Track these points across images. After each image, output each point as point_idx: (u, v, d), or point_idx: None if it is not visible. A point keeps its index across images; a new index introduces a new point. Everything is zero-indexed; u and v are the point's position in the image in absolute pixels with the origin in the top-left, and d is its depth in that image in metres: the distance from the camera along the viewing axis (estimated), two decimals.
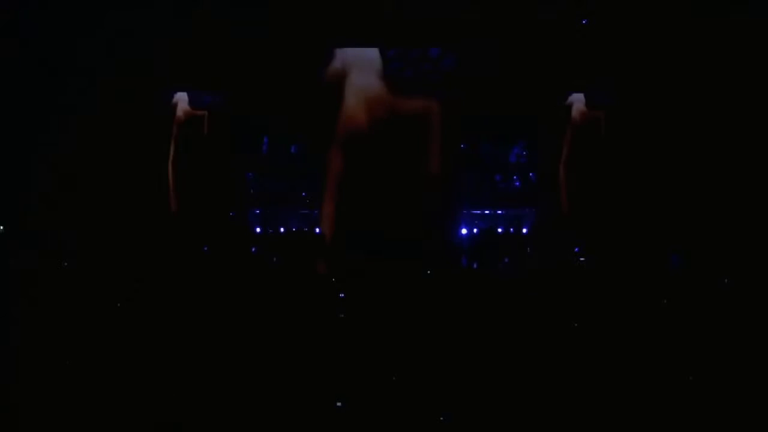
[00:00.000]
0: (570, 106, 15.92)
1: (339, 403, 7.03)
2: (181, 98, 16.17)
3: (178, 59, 15.14)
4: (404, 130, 15.98)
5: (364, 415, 6.89)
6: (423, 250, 14.46)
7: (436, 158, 15.88)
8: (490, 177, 16.30)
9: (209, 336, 9.21)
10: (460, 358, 8.54)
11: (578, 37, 14.91)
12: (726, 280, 11.74)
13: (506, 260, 14.82)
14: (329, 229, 15.43)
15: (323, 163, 15.83)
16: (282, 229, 16.07)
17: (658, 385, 7.21)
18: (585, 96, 15.86)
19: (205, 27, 14.72)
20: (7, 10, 13.81)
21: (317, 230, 15.66)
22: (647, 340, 8.81)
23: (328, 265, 14.53)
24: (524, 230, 15.88)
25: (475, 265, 14.85)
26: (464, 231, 15.67)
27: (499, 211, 16.15)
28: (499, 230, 15.98)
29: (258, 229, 16.06)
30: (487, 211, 16.12)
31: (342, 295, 12.44)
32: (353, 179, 15.80)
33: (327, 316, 11.61)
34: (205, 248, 14.90)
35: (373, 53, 15.94)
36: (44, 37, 14.03)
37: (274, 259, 14.95)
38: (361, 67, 16.03)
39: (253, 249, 15.40)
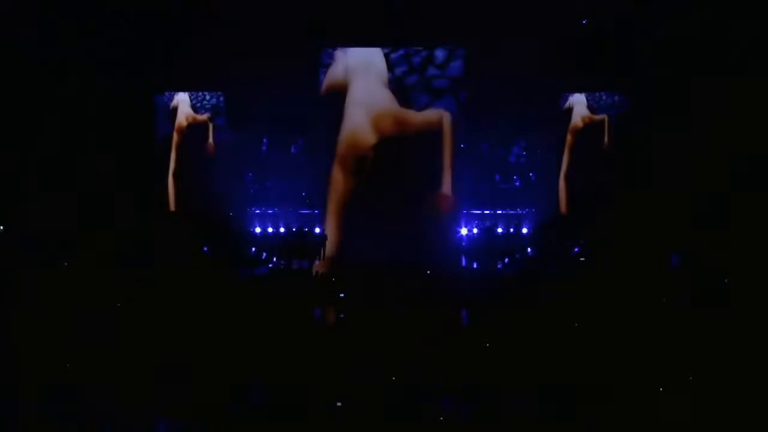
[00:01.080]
0: (571, 108, 15.92)
1: (339, 403, 7.03)
2: (183, 100, 16.10)
3: (179, 60, 15.14)
4: (410, 144, 15.35)
5: (364, 415, 6.89)
6: (423, 252, 14.43)
7: (442, 170, 15.41)
8: (490, 177, 16.28)
9: (209, 335, 9.21)
10: (460, 358, 8.54)
11: (580, 38, 14.90)
12: (726, 280, 11.74)
13: (506, 260, 14.83)
14: (333, 236, 15.13)
15: (326, 175, 15.38)
16: (282, 229, 16.06)
17: (658, 384, 7.21)
18: (587, 98, 15.86)
19: (206, 28, 14.70)
20: (7, 10, 13.82)
21: (317, 230, 15.65)
22: (647, 340, 8.81)
23: (328, 265, 14.52)
24: (524, 230, 15.88)
25: (475, 265, 14.86)
26: (464, 231, 15.65)
27: (499, 211, 16.14)
28: (499, 230, 15.98)
29: (258, 229, 16.05)
30: (487, 211, 16.12)
31: (342, 295, 12.48)
32: (356, 194, 15.37)
33: (327, 316, 11.63)
34: (205, 249, 14.90)
35: (377, 59, 15.41)
36: (44, 37, 14.02)
37: (274, 258, 14.96)
38: (364, 74, 15.49)
39: (253, 249, 15.40)
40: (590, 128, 15.97)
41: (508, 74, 14.79)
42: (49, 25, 13.97)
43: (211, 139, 16.23)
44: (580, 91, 15.89)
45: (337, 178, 15.49)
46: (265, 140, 16.39)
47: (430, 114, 15.46)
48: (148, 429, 6.45)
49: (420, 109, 15.51)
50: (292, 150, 16.44)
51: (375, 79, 15.49)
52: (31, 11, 13.97)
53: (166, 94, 16.14)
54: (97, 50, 14.29)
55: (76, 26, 14.00)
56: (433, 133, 15.44)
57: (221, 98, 16.14)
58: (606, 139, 15.87)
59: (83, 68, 14.29)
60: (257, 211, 16.21)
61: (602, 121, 15.88)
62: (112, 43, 14.38)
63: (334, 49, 15.45)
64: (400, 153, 15.37)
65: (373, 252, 14.19)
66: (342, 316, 11.69)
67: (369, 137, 15.43)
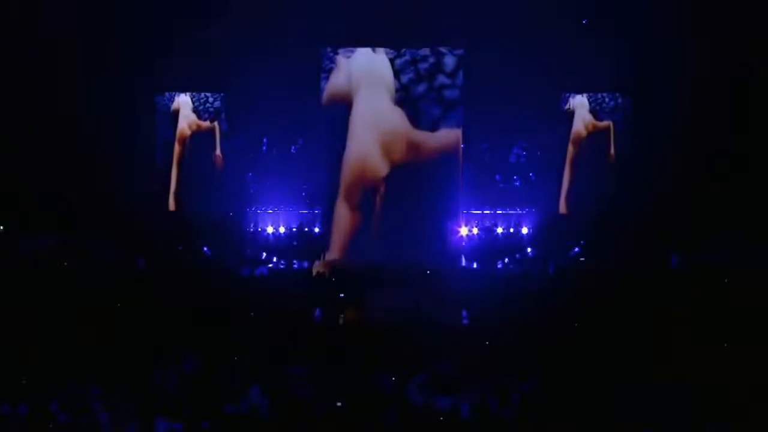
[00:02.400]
0: (572, 111, 15.84)
1: (339, 403, 7.04)
2: (185, 102, 15.89)
3: (179, 60, 15.09)
4: (425, 172, 14.46)
5: (364, 415, 6.90)
6: (423, 252, 14.41)
7: (457, 196, 14.88)
8: (490, 177, 16.23)
9: (209, 335, 9.22)
10: (460, 358, 8.54)
11: (580, 39, 14.87)
12: (726, 280, 11.76)
13: (506, 260, 14.82)
14: (334, 239, 14.84)
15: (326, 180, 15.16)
16: (282, 229, 16.04)
17: (657, 384, 7.22)
18: (589, 100, 15.77)
19: (207, 29, 14.66)
20: (8, 10, 13.82)
21: (317, 230, 15.63)
22: (646, 339, 8.82)
23: (329, 265, 14.49)
24: (524, 230, 15.86)
25: (475, 265, 14.84)
26: (464, 231, 15.61)
27: (499, 211, 16.12)
28: (499, 230, 15.96)
29: (258, 229, 16.01)
30: (487, 211, 16.09)
31: (342, 295, 12.49)
32: (363, 229, 14.54)
33: (327, 316, 11.65)
34: (206, 249, 14.89)
35: (381, 66, 14.44)
36: (44, 37, 14.01)
37: (274, 258, 14.94)
38: (369, 84, 14.47)
39: (253, 249, 15.38)
40: (594, 139, 15.63)
41: (508, 74, 14.77)
42: (48, 25, 13.98)
43: (218, 150, 15.63)
44: (580, 92, 15.82)
45: (343, 212, 14.63)
46: (265, 140, 16.30)
47: (446, 135, 14.57)
48: (148, 429, 6.46)
49: (431, 123, 14.57)
50: (292, 150, 16.35)
51: (381, 91, 14.49)
52: (30, 10, 13.99)
53: (167, 94, 15.88)
54: (97, 49, 14.28)
55: (75, 25, 13.99)
56: (448, 156, 14.64)
57: (223, 100, 15.74)
58: (612, 150, 15.58)
59: (83, 67, 14.28)
60: (257, 211, 16.16)
61: (607, 128, 15.58)
62: (112, 43, 14.36)
63: (335, 52, 14.66)
64: (413, 184, 14.40)
65: (373, 252, 14.14)
66: (342, 316, 11.70)
67: (380, 166, 14.42)
